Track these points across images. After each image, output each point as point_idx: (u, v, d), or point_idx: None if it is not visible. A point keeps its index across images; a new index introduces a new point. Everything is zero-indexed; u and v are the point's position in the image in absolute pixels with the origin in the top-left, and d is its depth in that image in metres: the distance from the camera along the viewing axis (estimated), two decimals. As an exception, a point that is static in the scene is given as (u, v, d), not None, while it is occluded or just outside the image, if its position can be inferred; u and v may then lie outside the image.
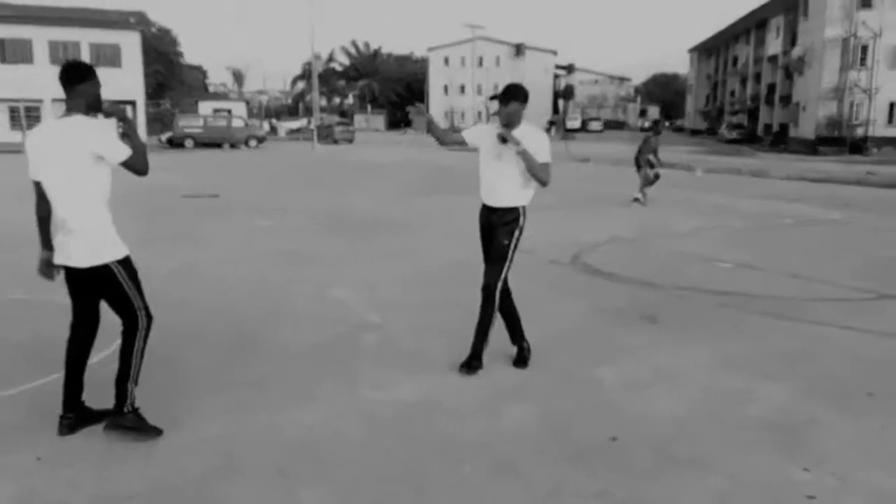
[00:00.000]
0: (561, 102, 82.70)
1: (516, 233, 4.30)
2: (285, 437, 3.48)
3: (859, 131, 36.58)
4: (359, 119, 73.87)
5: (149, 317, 3.46)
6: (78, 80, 3.28)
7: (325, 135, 46.35)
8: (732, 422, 3.70)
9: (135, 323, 3.41)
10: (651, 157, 13.43)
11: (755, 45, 54.57)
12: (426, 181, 18.69)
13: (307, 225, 10.57)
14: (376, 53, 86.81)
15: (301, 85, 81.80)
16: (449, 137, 4.58)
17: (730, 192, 13.87)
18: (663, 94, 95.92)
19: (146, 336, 3.45)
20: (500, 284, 4.32)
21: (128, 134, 3.36)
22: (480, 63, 70.33)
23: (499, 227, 4.28)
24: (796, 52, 41.98)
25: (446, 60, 79.19)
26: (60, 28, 36.76)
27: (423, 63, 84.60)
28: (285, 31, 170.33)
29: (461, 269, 7.37)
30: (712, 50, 68.07)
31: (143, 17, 41.98)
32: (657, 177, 13.56)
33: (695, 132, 66.36)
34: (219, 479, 3.07)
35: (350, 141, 47.75)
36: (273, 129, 62.05)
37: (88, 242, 3.27)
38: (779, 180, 19.93)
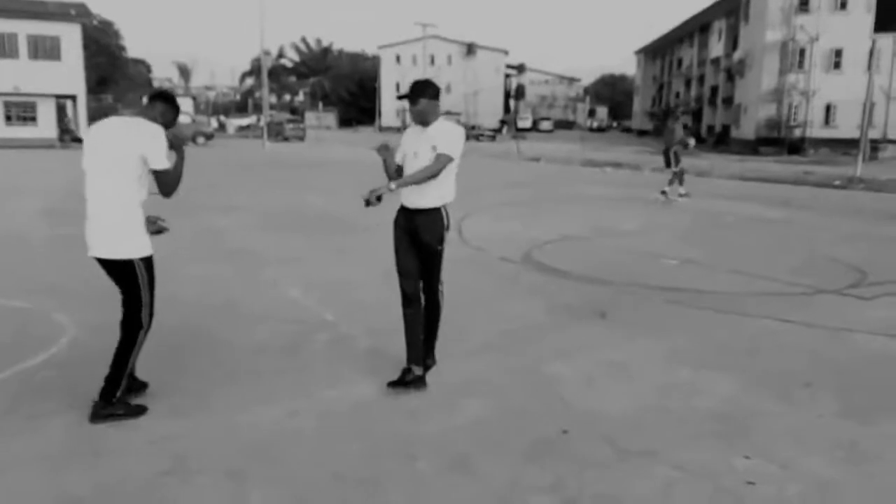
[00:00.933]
0: (512, 102, 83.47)
1: (445, 234, 4.14)
2: (237, 437, 3.44)
3: (797, 132, 38.02)
4: (310, 116, 73.03)
5: (151, 315, 3.65)
6: (164, 99, 3.72)
7: (276, 132, 45.64)
8: (679, 414, 3.81)
9: (137, 320, 3.59)
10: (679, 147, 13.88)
11: (699, 48, 56.11)
12: (381, 180, 18.63)
13: (259, 223, 10.41)
14: (327, 50, 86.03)
15: (250, 81, 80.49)
16: (392, 170, 4.29)
17: (675, 190, 14.23)
18: (611, 94, 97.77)
19: (146, 333, 3.64)
20: (441, 289, 4.24)
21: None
22: (432, 62, 70.47)
23: (426, 234, 4.07)
24: (737, 55, 43.38)
25: (398, 58, 79.02)
26: None
27: (374, 61, 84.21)
28: (234, 26, 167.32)
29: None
30: (658, 52, 69.66)
31: (85, 8, 40.27)
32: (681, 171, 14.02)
33: (641, 133, 67.85)
34: (168, 481, 3.02)
35: (301, 139, 47.16)
36: (221, 126, 60.72)
37: (112, 235, 3.51)
38: (721, 180, 20.54)
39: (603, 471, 3.17)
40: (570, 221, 11.08)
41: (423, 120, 4.06)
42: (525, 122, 73.28)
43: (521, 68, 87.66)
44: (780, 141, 37.62)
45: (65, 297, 5.79)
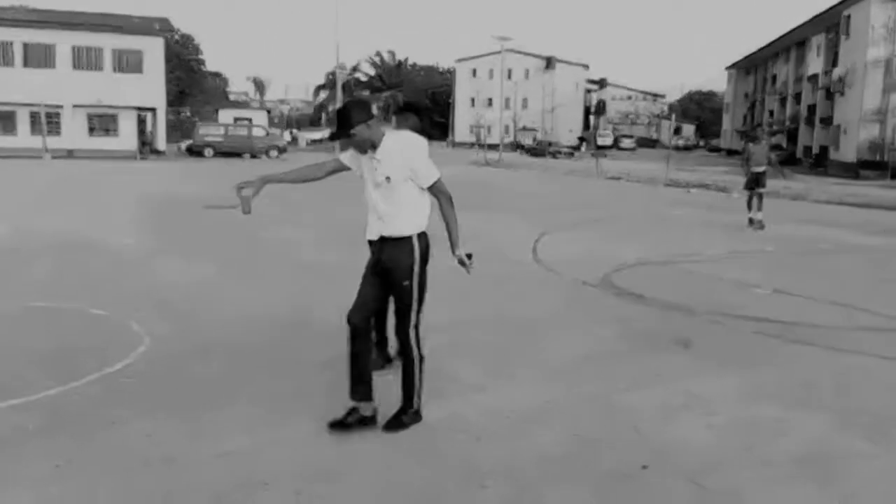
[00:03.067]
0: (592, 118, 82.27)
1: (416, 268, 3.60)
2: (303, 455, 3.43)
3: (902, 155, 35.69)
4: None
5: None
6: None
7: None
8: (766, 453, 3.55)
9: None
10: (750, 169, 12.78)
11: (795, 64, 53.70)
12: (454, 197, 18.66)
13: (331, 237, 10.55)
14: (401, 64, 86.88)
15: (323, 95, 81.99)
16: (314, 172, 3.89)
17: (767, 215, 13.51)
18: (698, 112, 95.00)
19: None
20: (412, 333, 3.64)
21: None
22: (509, 76, 69.81)
23: (392, 267, 3.60)
24: (837, 72, 41.20)
25: (474, 72, 79.06)
26: (84, 33, 36.54)
27: (449, 75, 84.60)
28: (309, 40, 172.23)
29: (485, 288, 7.28)
30: (750, 68, 67.11)
31: (167, 23, 41.72)
32: (752, 198, 12.72)
33: (731, 152, 65.36)
34: (236, 495, 3.03)
35: None
36: (294, 140, 61.96)
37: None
38: (818, 204, 19.49)
39: (681, 513, 2.97)
40: (651, 244, 10.71)
41: (370, 145, 3.55)
42: (605, 140, 71.94)
43: (602, 83, 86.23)
44: (883, 164, 35.37)
45: (140, 307, 6.00)
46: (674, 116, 48.52)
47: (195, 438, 3.52)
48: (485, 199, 17.82)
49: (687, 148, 78.23)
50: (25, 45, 35.72)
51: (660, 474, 3.29)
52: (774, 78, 60.11)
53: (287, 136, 57.72)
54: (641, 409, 4.10)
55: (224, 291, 6.84)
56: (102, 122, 37.46)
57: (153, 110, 39.72)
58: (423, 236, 3.64)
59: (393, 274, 3.62)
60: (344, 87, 55.96)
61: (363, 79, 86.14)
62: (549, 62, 76.54)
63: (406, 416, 3.73)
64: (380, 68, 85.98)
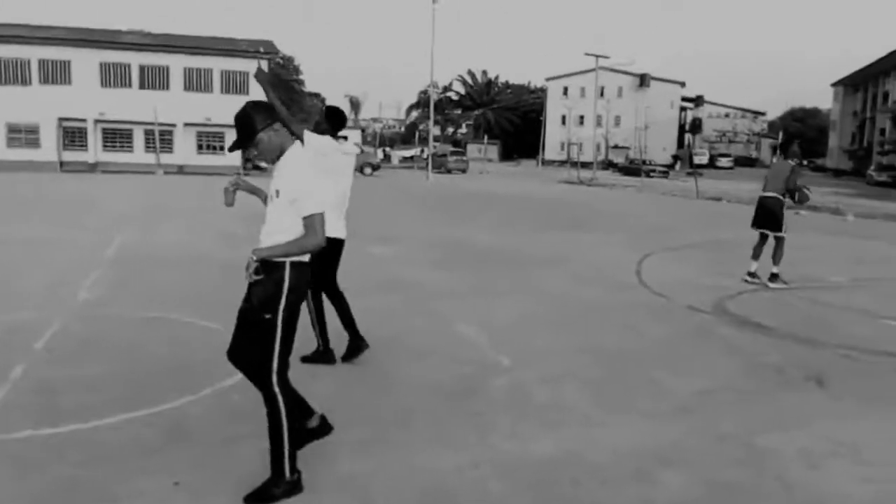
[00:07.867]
0: (687, 136, 79.70)
1: (282, 302, 2.97)
2: (422, 481, 3.29)
3: None
4: (472, 149, 73.11)
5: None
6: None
7: (439, 164, 46.78)
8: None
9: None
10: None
11: (910, 81, 50.20)
12: (543, 215, 18.37)
13: (425, 255, 10.45)
14: (491, 83, 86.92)
15: (415, 113, 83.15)
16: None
17: (890, 239, 12.45)
18: (802, 129, 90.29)
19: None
20: (275, 380, 3.03)
21: None
22: (602, 93, 68.60)
23: (254, 293, 3.01)
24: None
25: (565, 90, 78.39)
26: (195, 56, 38.95)
27: (540, 93, 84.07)
28: (402, 59, 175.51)
29: (591, 312, 6.98)
30: (859, 85, 63.35)
31: (272, 46, 43.18)
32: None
33: (838, 173, 61.64)
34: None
35: (463, 171, 47.98)
36: (387, 157, 63.03)
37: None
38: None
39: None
40: (764, 269, 10.03)
41: (278, 154, 3.08)
42: (702, 158, 69.37)
43: (698, 101, 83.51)
44: None
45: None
46: (780, 134, 45.97)
47: (308, 460, 3.41)
48: (580, 219, 17.40)
49: (789, 168, 73.90)
50: (142, 68, 38.22)
51: (810, 531, 2.94)
52: (886, 95, 56.39)
53: (380, 154, 59.04)
54: (780, 453, 3.72)
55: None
56: (210, 140, 39.55)
57: (257, 130, 41.50)
58: (299, 268, 3.02)
59: (254, 303, 3.00)
60: (435, 105, 56.41)
61: (454, 97, 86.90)
62: (643, 80, 75.02)
63: (277, 487, 3.07)
64: (471, 87, 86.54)
